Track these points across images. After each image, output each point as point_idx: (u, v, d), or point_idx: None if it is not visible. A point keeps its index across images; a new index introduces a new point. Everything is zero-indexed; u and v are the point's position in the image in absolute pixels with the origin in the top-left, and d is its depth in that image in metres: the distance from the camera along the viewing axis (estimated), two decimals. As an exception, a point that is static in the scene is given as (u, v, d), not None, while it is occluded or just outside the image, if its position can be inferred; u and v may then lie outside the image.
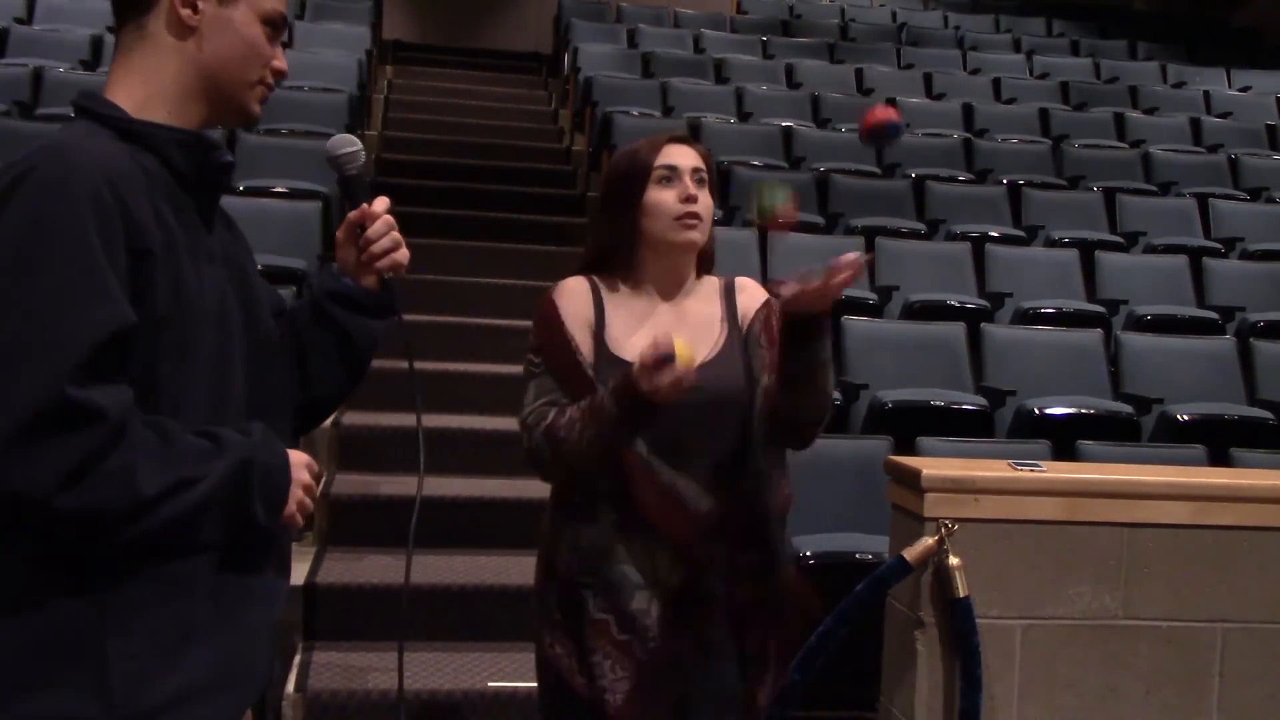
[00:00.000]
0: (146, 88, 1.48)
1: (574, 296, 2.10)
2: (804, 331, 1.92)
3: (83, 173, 1.33)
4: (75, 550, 1.34)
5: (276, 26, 1.54)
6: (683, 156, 2.09)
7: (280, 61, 1.55)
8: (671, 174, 2.07)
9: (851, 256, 1.83)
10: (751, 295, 2.17)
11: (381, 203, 1.68)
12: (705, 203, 2.09)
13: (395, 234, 1.68)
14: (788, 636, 2.13)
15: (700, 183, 2.09)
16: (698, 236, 2.07)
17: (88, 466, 1.28)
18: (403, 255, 1.69)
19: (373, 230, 1.67)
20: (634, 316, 2.08)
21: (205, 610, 1.42)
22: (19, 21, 7.91)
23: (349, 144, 1.72)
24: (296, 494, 1.49)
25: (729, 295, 2.16)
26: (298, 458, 1.51)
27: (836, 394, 4.54)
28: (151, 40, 1.48)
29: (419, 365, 1.77)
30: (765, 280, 5.83)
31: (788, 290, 1.87)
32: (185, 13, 1.47)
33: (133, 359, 1.35)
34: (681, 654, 1.99)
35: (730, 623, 2.02)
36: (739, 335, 2.11)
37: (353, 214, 1.68)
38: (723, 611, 2.01)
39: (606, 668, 1.97)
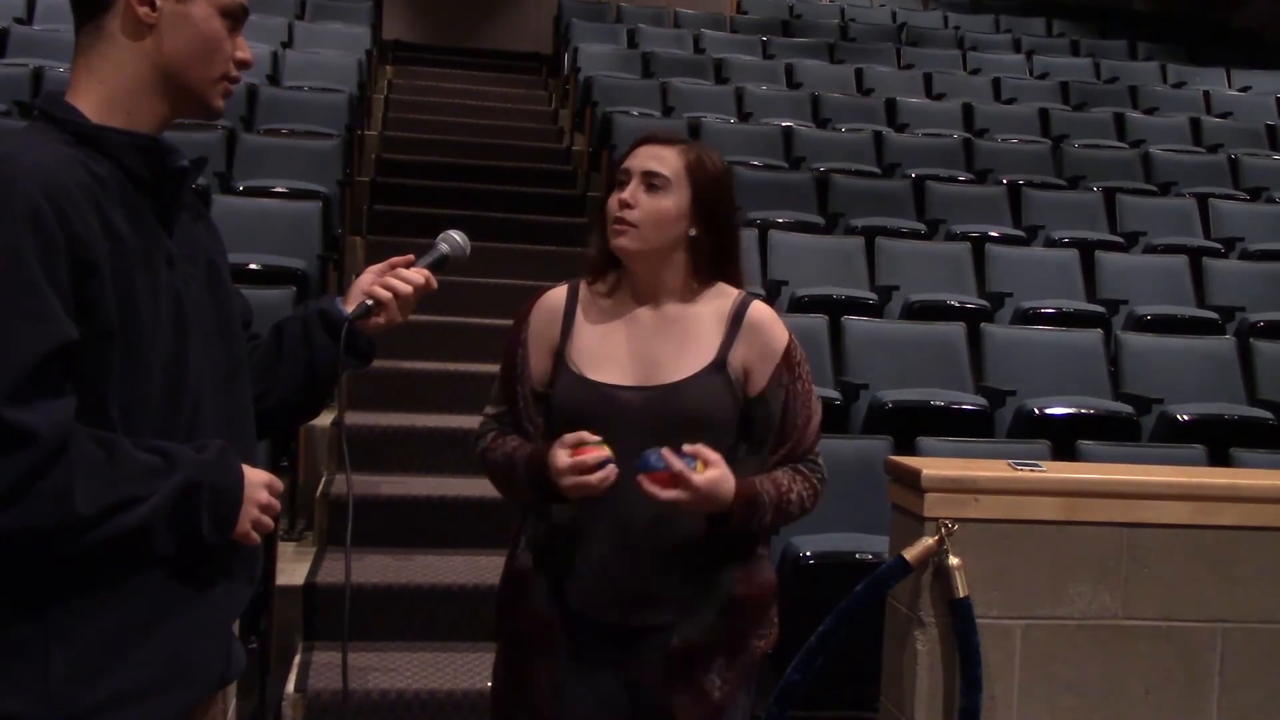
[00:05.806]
0: (106, 89, 1.47)
1: (545, 313, 2.06)
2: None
3: (20, 191, 1.32)
4: (19, 562, 1.35)
5: (237, 18, 1.52)
6: (639, 158, 2.01)
7: (244, 52, 1.54)
8: (624, 177, 2.01)
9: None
10: (764, 341, 2.01)
11: (431, 276, 1.80)
12: (647, 206, 1.96)
13: (414, 293, 1.77)
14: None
15: (651, 187, 1.97)
16: (625, 243, 1.96)
17: (21, 488, 1.29)
18: (401, 315, 1.78)
19: (408, 274, 1.77)
20: (607, 327, 2.02)
21: (153, 615, 1.43)
22: (19, 21, 7.91)
23: (465, 249, 1.91)
24: (251, 513, 1.49)
25: (735, 324, 2.01)
26: (256, 476, 1.51)
27: (836, 394, 4.54)
28: (109, 40, 1.47)
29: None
30: (765, 279, 5.80)
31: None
32: (143, 11, 1.45)
33: (80, 370, 1.35)
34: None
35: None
36: (725, 376, 1.97)
37: (420, 268, 1.79)
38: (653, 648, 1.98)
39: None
